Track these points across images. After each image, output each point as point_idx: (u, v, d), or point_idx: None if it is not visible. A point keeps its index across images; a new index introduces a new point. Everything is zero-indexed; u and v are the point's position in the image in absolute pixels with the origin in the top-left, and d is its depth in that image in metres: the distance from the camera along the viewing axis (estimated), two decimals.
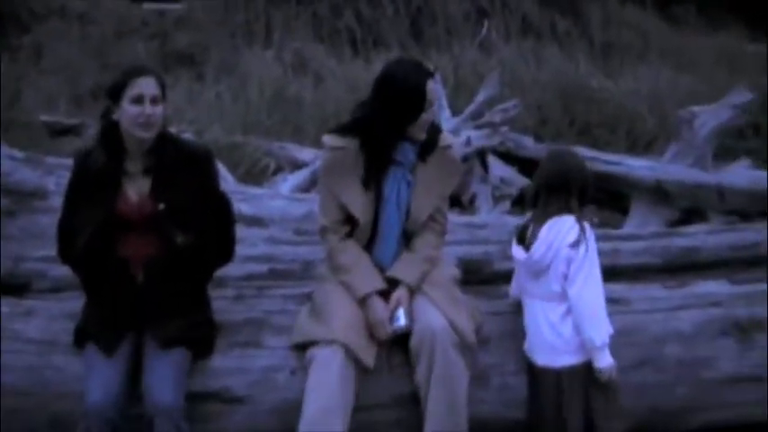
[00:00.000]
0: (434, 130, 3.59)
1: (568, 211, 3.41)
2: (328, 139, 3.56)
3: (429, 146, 3.55)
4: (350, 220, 3.55)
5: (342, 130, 3.57)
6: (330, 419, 3.29)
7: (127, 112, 3.34)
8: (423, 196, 3.55)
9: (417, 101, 3.42)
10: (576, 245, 3.34)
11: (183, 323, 3.40)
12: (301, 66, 11.01)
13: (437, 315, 3.40)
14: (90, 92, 9.97)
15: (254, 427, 3.47)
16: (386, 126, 3.47)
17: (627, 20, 13.63)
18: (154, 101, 3.35)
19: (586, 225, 3.39)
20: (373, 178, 3.51)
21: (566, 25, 12.98)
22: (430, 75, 3.49)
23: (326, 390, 3.30)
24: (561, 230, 3.37)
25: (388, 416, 3.46)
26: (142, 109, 3.32)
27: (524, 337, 3.52)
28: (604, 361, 3.33)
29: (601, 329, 3.34)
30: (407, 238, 3.60)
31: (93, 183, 3.39)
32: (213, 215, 3.51)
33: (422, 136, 3.49)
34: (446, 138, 3.64)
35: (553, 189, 3.45)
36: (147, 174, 3.41)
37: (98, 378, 3.25)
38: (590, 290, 3.35)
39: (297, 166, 8.08)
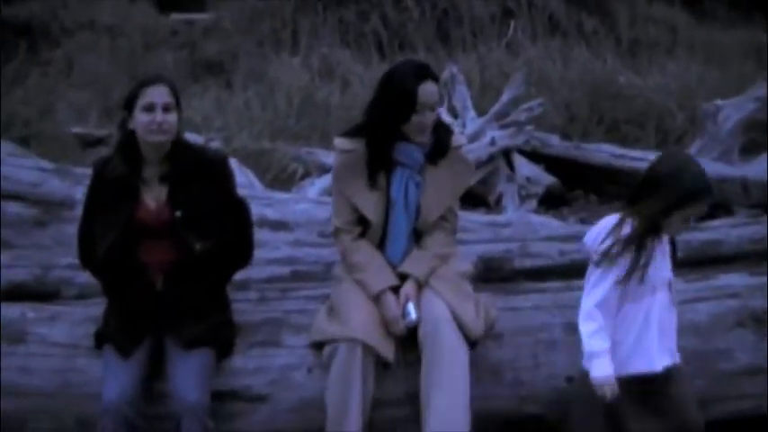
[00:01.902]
0: (445, 132, 3.64)
1: (626, 212, 3.18)
2: (339, 143, 3.63)
3: (439, 148, 3.59)
4: (362, 221, 3.61)
5: (351, 133, 3.64)
6: (350, 416, 3.36)
7: (139, 120, 3.44)
8: (433, 197, 3.59)
9: (406, 102, 3.46)
10: (601, 244, 3.16)
11: (204, 325, 3.48)
12: (328, 71, 11.05)
13: (442, 308, 3.45)
14: (120, 103, 10.09)
15: (276, 425, 3.54)
16: (379, 126, 3.54)
17: (654, 16, 13.56)
18: (166, 109, 3.44)
19: (635, 237, 3.12)
20: (378, 179, 3.57)
21: (593, 24, 12.93)
22: (428, 77, 3.50)
23: (347, 386, 3.37)
24: (601, 232, 3.20)
25: (402, 412, 3.50)
26: (153, 116, 3.42)
27: None
28: (593, 372, 3.17)
29: (589, 339, 3.17)
30: (418, 237, 3.64)
31: (112, 190, 3.49)
32: (230, 220, 3.58)
33: (419, 138, 3.53)
34: (457, 138, 3.68)
35: (641, 185, 3.21)
36: (163, 181, 3.50)
37: (114, 379, 3.34)
38: (588, 300, 3.20)
39: (325, 170, 8.12)
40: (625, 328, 3.21)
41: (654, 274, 3.19)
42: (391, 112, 3.50)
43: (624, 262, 3.13)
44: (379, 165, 3.56)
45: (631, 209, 3.18)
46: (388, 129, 3.53)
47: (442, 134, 3.61)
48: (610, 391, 3.13)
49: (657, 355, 3.22)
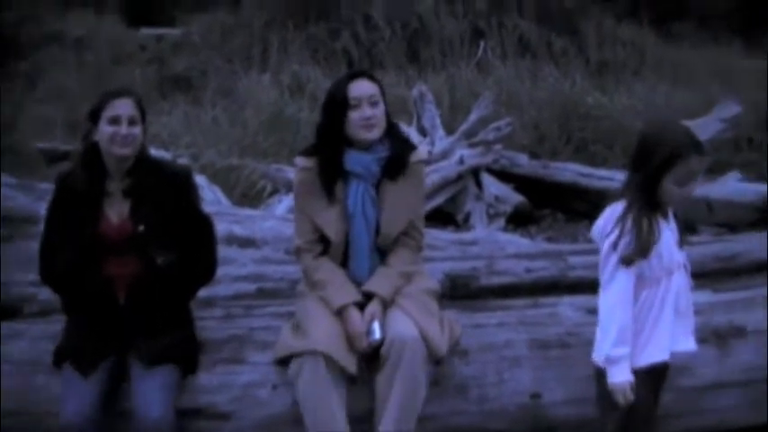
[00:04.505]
0: (404, 145, 3.65)
1: (628, 195, 3.03)
2: (299, 161, 3.65)
3: (396, 161, 3.59)
4: (324, 239, 3.61)
5: (310, 151, 3.65)
6: (337, 420, 3.35)
7: (104, 132, 3.42)
8: (392, 212, 3.59)
9: (338, 99, 3.52)
10: (608, 235, 3.02)
11: (167, 341, 3.45)
12: (298, 88, 11.05)
13: (409, 325, 3.43)
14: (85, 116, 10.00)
15: None
16: (324, 133, 3.58)
17: (622, 37, 13.68)
18: (131, 122, 3.43)
19: (632, 216, 2.98)
20: (336, 193, 3.56)
21: (562, 44, 13.02)
22: (361, 76, 3.59)
23: (323, 395, 3.36)
24: (607, 221, 3.06)
25: (366, 428, 3.48)
26: (118, 129, 3.41)
27: None
28: (610, 377, 3.07)
29: (604, 342, 3.07)
30: (383, 255, 3.63)
31: (74, 204, 3.47)
32: (194, 235, 3.57)
33: (367, 135, 3.53)
34: (417, 154, 3.67)
35: (631, 165, 3.07)
36: (126, 196, 3.49)
37: (73, 396, 3.30)
38: (606, 296, 3.08)
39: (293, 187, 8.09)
40: (643, 316, 3.10)
41: (668, 256, 3.08)
42: (329, 115, 3.56)
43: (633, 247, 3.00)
44: (332, 175, 3.56)
45: (628, 189, 3.06)
46: (332, 133, 3.56)
47: (400, 147, 3.62)
48: (624, 397, 3.05)
49: (670, 341, 3.12)
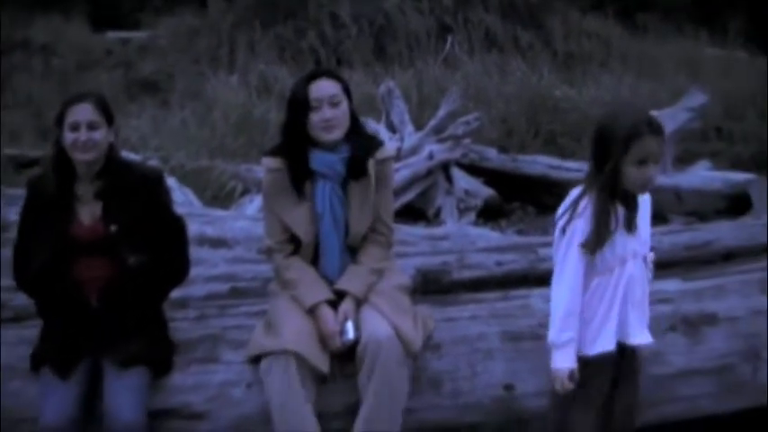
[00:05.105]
0: (367, 142, 3.67)
1: (587, 182, 3.01)
2: (266, 162, 3.65)
3: (359, 161, 3.60)
4: (295, 238, 3.62)
5: (276, 151, 3.66)
6: (305, 422, 3.34)
7: (66, 138, 3.44)
8: (359, 210, 3.60)
9: (299, 101, 3.53)
10: (560, 218, 3.02)
11: (141, 343, 3.45)
12: (266, 88, 11.04)
13: (383, 324, 3.44)
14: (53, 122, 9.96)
15: None
16: (287, 134, 3.60)
17: (588, 29, 13.76)
18: (91, 126, 3.43)
19: (587, 201, 2.95)
20: (304, 193, 3.57)
21: (528, 38, 13.08)
22: (321, 76, 3.58)
23: (292, 396, 3.35)
24: (566, 204, 3.04)
25: (341, 425, 3.49)
26: (78, 135, 3.41)
27: None
28: (552, 362, 3.07)
29: (553, 327, 3.04)
30: (353, 253, 3.65)
31: (46, 208, 3.47)
32: (166, 236, 3.57)
33: (328, 136, 3.54)
34: (385, 150, 3.69)
35: (591, 153, 3.04)
36: (98, 198, 3.49)
37: (53, 401, 3.29)
38: (557, 281, 3.06)
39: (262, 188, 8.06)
40: (594, 304, 3.09)
41: (622, 244, 3.05)
42: (291, 116, 3.57)
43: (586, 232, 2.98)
44: (300, 176, 3.57)
45: (588, 177, 3.04)
46: (295, 134, 3.57)
47: (362, 146, 3.62)
48: (561, 384, 3.05)
49: (626, 334, 3.12)
